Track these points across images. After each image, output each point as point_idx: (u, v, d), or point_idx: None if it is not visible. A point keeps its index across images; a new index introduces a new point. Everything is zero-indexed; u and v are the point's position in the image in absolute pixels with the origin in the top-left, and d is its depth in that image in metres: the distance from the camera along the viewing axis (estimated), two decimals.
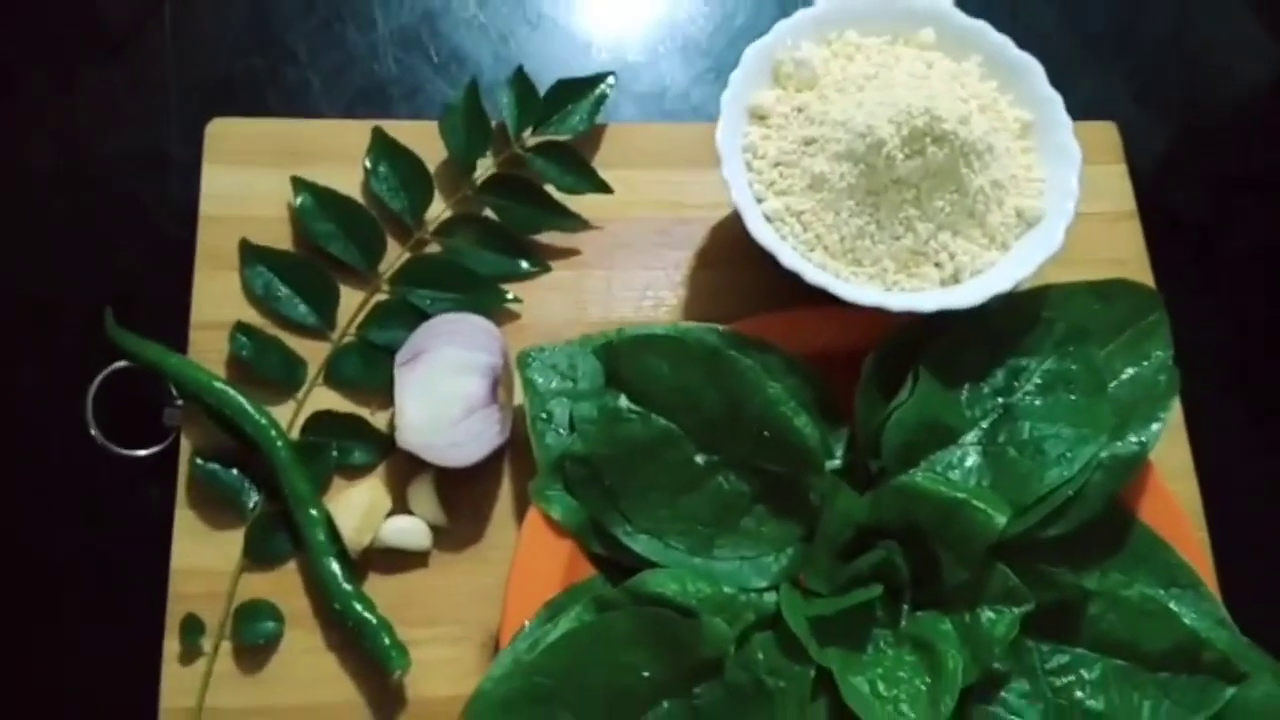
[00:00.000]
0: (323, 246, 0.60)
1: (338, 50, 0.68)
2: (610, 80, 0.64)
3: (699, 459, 0.54)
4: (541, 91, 0.63)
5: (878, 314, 0.55)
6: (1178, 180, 0.71)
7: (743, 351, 0.55)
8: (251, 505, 0.56)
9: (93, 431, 0.57)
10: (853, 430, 0.56)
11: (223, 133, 0.62)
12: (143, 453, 0.57)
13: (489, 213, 0.62)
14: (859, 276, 0.56)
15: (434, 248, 0.61)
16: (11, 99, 0.66)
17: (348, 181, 0.62)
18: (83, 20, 0.68)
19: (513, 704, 0.49)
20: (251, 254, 0.60)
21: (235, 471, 0.56)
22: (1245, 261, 0.70)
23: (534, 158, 0.62)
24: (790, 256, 0.55)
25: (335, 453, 0.57)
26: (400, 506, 0.57)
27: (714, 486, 0.54)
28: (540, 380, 0.56)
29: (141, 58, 0.67)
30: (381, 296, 0.60)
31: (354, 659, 0.54)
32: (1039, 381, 0.56)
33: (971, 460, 0.55)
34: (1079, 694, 0.52)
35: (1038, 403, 0.55)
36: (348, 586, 0.54)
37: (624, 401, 0.54)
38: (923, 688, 0.51)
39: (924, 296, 0.55)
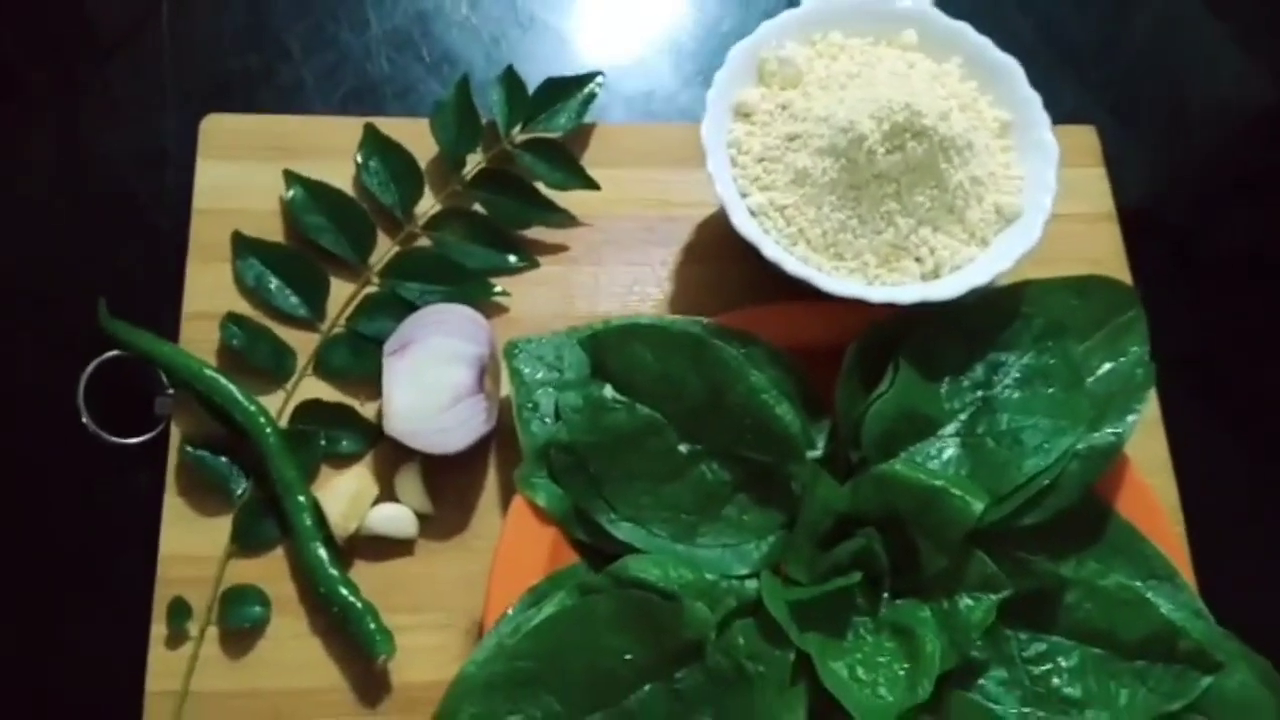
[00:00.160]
0: (314, 239, 0.61)
1: (331, 50, 0.69)
2: (598, 79, 0.65)
3: (682, 448, 0.55)
4: (531, 90, 0.64)
5: (859, 308, 0.56)
6: (1155, 187, 0.72)
7: (726, 342, 0.55)
8: (240, 492, 0.56)
9: (85, 419, 0.57)
10: (834, 421, 0.57)
11: (217, 128, 0.63)
12: (134, 441, 0.58)
13: (478, 208, 0.63)
14: (841, 270, 0.57)
15: (424, 242, 0.62)
16: (12, 94, 0.67)
17: (340, 177, 0.63)
18: (82, 19, 0.69)
19: (495, 686, 0.50)
20: (243, 246, 0.61)
21: (224, 459, 0.57)
22: (1223, 265, 0.71)
23: (523, 154, 0.63)
24: (772, 249, 0.56)
25: (323, 441, 0.57)
26: (387, 494, 0.57)
27: (697, 475, 0.55)
28: (527, 370, 0.57)
29: (139, 56, 0.68)
30: (371, 289, 0.61)
31: (339, 644, 0.55)
32: (1017, 375, 0.57)
33: (950, 451, 0.55)
34: (1056, 681, 0.53)
35: (1016, 395, 0.56)
36: (334, 571, 0.54)
37: (609, 391, 0.55)
38: (901, 672, 0.51)
39: (904, 289, 0.56)
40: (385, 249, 0.62)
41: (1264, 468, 0.66)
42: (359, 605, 0.54)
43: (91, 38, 0.69)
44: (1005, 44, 0.61)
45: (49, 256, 0.63)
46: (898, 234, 0.57)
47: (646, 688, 0.51)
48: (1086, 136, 0.69)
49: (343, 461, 0.58)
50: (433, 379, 0.55)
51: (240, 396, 0.56)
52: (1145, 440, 0.61)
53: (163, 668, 0.53)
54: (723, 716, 0.50)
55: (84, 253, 0.63)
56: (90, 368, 0.58)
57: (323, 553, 0.54)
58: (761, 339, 0.57)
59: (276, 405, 0.58)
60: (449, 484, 0.58)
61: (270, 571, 0.56)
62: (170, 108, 0.66)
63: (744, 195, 0.58)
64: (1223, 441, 0.66)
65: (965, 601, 0.52)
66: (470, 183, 0.63)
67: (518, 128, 0.64)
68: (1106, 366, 0.58)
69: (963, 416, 0.56)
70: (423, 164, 0.63)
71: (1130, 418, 0.56)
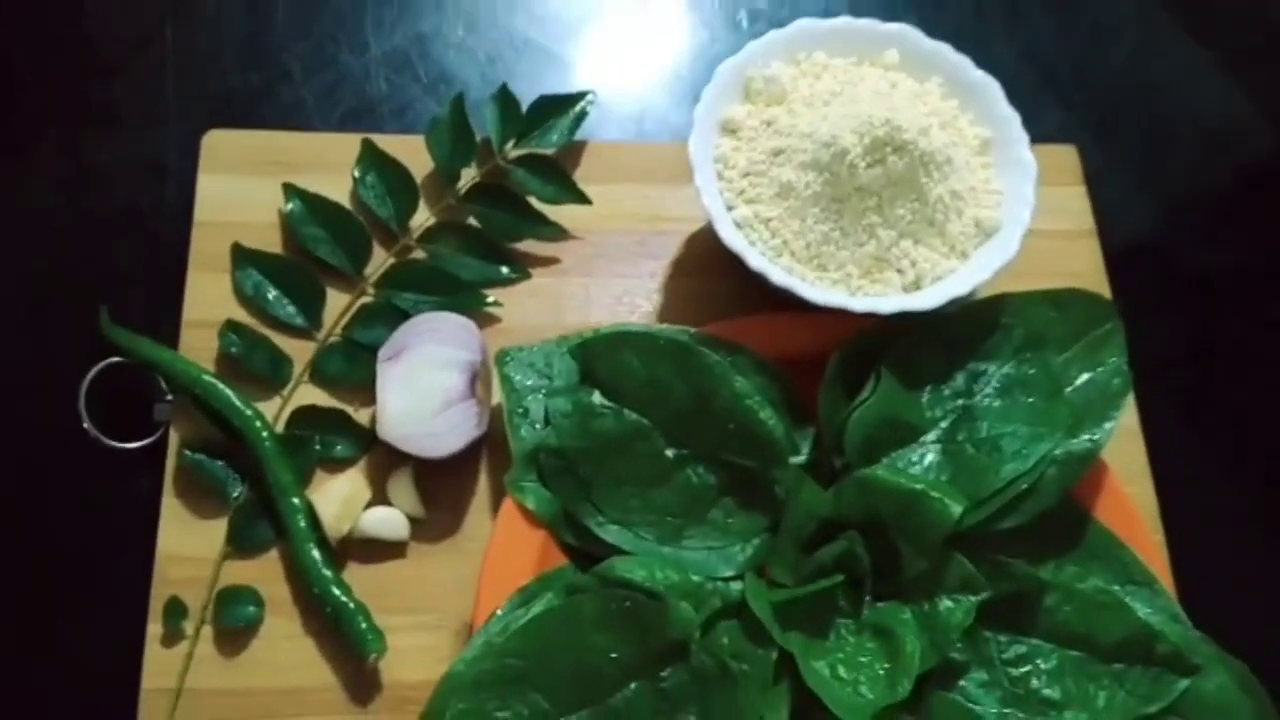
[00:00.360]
0: (311, 250, 0.62)
1: (331, 70, 0.71)
2: (590, 98, 0.67)
3: (669, 452, 0.56)
4: (524, 108, 0.66)
5: (842, 319, 0.57)
6: (1135, 205, 0.74)
7: (712, 350, 0.57)
8: (235, 495, 0.58)
9: (85, 424, 0.59)
10: (817, 428, 0.58)
11: (218, 143, 0.65)
12: (133, 445, 0.59)
13: (472, 221, 0.65)
14: (824, 281, 0.59)
15: (418, 254, 0.64)
16: (20, 109, 0.69)
17: (337, 191, 0.64)
18: (89, 38, 0.71)
19: (483, 684, 0.51)
20: (243, 257, 0.62)
21: (221, 463, 0.58)
22: (1201, 280, 0.72)
23: (516, 169, 0.65)
24: (758, 259, 0.57)
25: (318, 446, 0.59)
26: (380, 498, 0.58)
27: (683, 479, 0.56)
28: (517, 377, 0.59)
29: (143, 73, 0.70)
30: (366, 299, 0.62)
31: (331, 644, 0.56)
32: (998, 385, 0.58)
33: (931, 457, 0.57)
34: (1035, 683, 0.54)
35: (996, 404, 0.58)
36: (327, 572, 0.55)
37: (597, 397, 0.56)
38: (881, 672, 0.52)
39: (885, 299, 0.58)
40: (381, 260, 0.63)
41: (1242, 478, 0.67)
42: (351, 605, 0.55)
43: (97, 55, 0.71)
44: (988, 67, 0.63)
45: (53, 265, 0.64)
46: (879, 246, 0.58)
47: (632, 686, 0.52)
48: (1067, 156, 0.71)
49: (337, 466, 0.59)
50: (425, 385, 0.56)
51: (237, 401, 0.58)
52: (1124, 449, 0.63)
53: (158, 666, 0.54)
54: (707, 715, 0.51)
55: (87, 262, 0.64)
56: (91, 374, 0.59)
57: (316, 554, 0.55)
58: (747, 348, 0.59)
59: (273, 411, 0.59)
60: (441, 488, 0.59)
61: (265, 573, 0.57)
62: (173, 124, 0.68)
63: (730, 208, 0.60)
64: (1201, 452, 0.67)
65: (945, 603, 0.53)
66: (464, 197, 0.65)
67: (511, 143, 0.66)
68: (1084, 377, 0.59)
69: (943, 424, 0.57)
70: (418, 179, 0.65)
71: (1107, 424, 0.57)
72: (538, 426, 0.57)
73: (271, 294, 0.62)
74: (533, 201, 0.65)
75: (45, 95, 0.69)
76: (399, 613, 0.56)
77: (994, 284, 0.59)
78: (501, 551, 0.55)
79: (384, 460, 0.59)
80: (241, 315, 0.61)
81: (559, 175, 0.65)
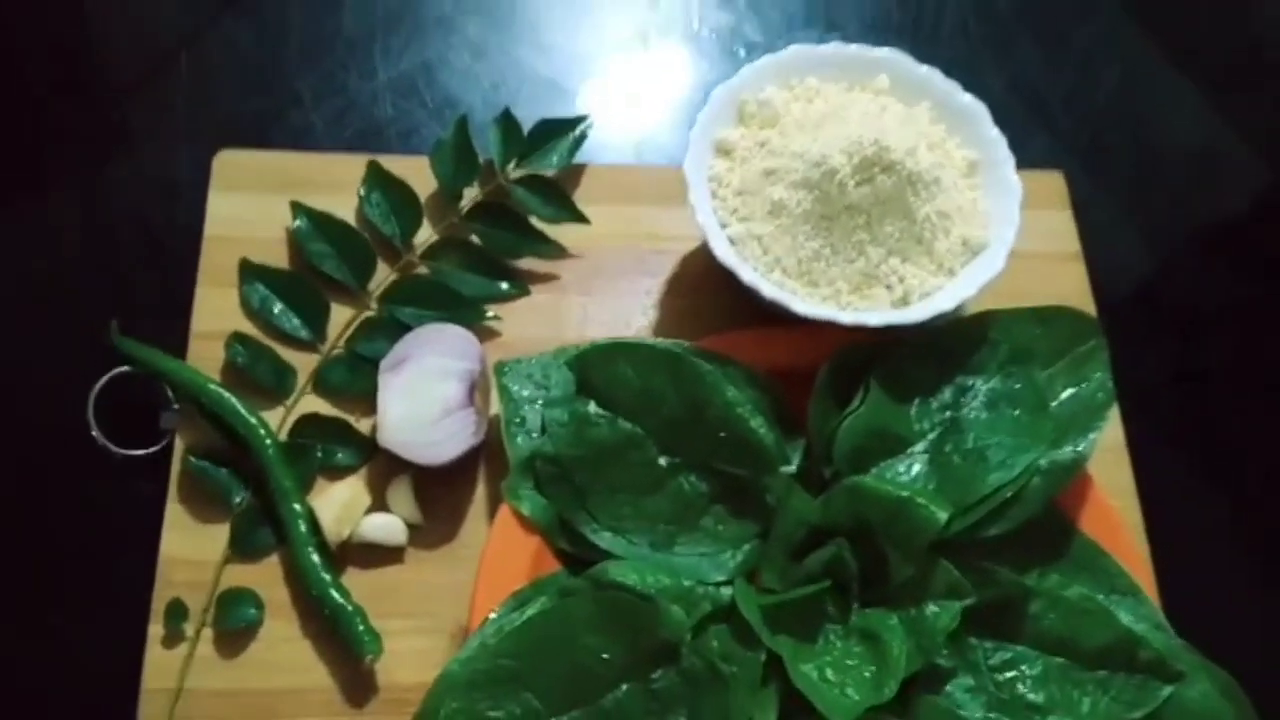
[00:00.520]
0: (317, 266, 0.64)
1: (340, 96, 0.73)
2: (589, 121, 0.69)
3: (662, 461, 0.58)
4: (526, 130, 0.68)
5: (832, 334, 0.59)
6: (1122, 233, 0.75)
7: (706, 361, 0.58)
8: (238, 501, 0.59)
9: (94, 432, 0.60)
10: (808, 440, 0.59)
11: (229, 163, 0.67)
12: (140, 453, 0.60)
13: (474, 238, 0.66)
14: (815, 296, 0.60)
15: (421, 270, 0.66)
16: (40, 127, 0.71)
17: (343, 209, 0.66)
18: (108, 60, 0.74)
19: (477, 684, 0.52)
20: (250, 272, 0.64)
21: (225, 470, 0.59)
22: (1187, 307, 0.74)
23: (517, 189, 0.67)
24: (750, 274, 0.59)
25: (320, 454, 0.60)
26: (380, 505, 0.60)
27: (675, 487, 0.58)
28: (515, 388, 0.60)
29: (158, 97, 0.72)
30: (370, 313, 0.64)
31: (329, 647, 0.57)
32: (984, 398, 0.59)
33: (919, 467, 0.58)
34: (1021, 689, 0.55)
35: (983, 417, 0.59)
36: (326, 575, 0.56)
37: (593, 407, 0.58)
38: (868, 674, 0.53)
39: (873, 313, 0.59)
40: (384, 276, 0.65)
41: (1227, 495, 0.68)
42: (349, 608, 0.56)
43: (114, 78, 0.73)
44: (978, 96, 0.64)
45: (66, 278, 0.66)
46: (868, 263, 0.60)
47: (623, 687, 0.53)
48: (1054, 181, 0.73)
49: (338, 474, 0.60)
50: (425, 393, 0.58)
51: (242, 409, 0.59)
52: (1110, 466, 0.64)
53: (159, 666, 0.55)
54: (697, 716, 0.52)
55: (99, 275, 0.66)
56: (100, 383, 0.61)
57: (316, 557, 0.57)
58: (739, 360, 0.60)
59: (276, 420, 0.61)
60: (439, 497, 0.60)
61: (265, 577, 0.58)
62: (185, 145, 0.70)
63: (724, 226, 0.61)
64: (1186, 470, 0.68)
65: (931, 608, 0.54)
66: (467, 215, 0.67)
67: (512, 164, 0.68)
68: (1069, 391, 0.60)
69: (931, 436, 0.59)
70: (422, 198, 0.67)
71: (1092, 435, 0.58)
72: (534, 435, 0.59)
73: (277, 307, 0.63)
74: (533, 221, 0.67)
75: (64, 116, 0.71)
76: (396, 617, 0.57)
77: (980, 301, 0.61)
78: (497, 557, 0.56)
79: (384, 468, 0.60)
80: (248, 328, 0.63)
81: (559, 195, 0.67)
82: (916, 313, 0.59)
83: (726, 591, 0.56)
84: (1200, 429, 0.70)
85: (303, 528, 0.57)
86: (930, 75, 0.65)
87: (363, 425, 0.61)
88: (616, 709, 0.52)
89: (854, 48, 0.65)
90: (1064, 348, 0.61)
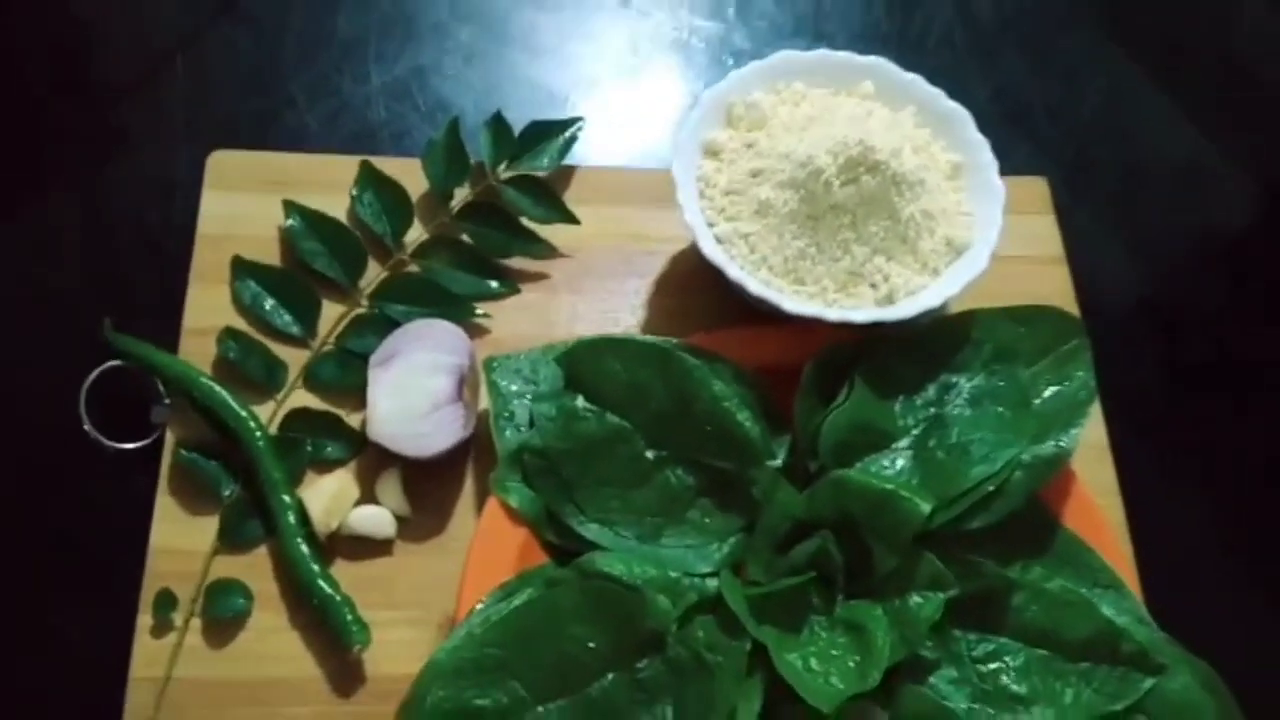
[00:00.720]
0: (309, 263, 0.65)
1: (334, 98, 0.74)
2: (579, 123, 0.70)
3: (649, 454, 0.58)
4: (517, 132, 0.69)
5: (818, 332, 0.60)
6: (1104, 241, 0.76)
7: (693, 356, 0.59)
8: (228, 493, 0.59)
9: (86, 426, 0.61)
10: (794, 436, 0.60)
11: (223, 163, 0.68)
12: (131, 446, 0.61)
13: (464, 238, 0.67)
14: (801, 294, 0.61)
15: (412, 268, 0.66)
16: (38, 126, 0.72)
17: (336, 209, 0.67)
18: (106, 63, 0.75)
19: (463, 672, 0.52)
20: (242, 269, 0.65)
21: (215, 462, 0.60)
22: (1169, 310, 0.75)
23: (507, 189, 0.68)
24: (736, 271, 0.60)
25: (310, 447, 0.61)
26: (369, 498, 0.60)
27: (662, 480, 0.58)
28: (504, 383, 0.61)
29: (155, 99, 0.73)
30: (361, 310, 0.65)
31: (317, 638, 0.57)
32: (968, 396, 0.60)
33: (903, 462, 0.59)
34: (1004, 680, 0.55)
35: (967, 413, 0.60)
36: (314, 566, 0.57)
37: (581, 401, 0.58)
38: (852, 664, 0.53)
39: (859, 310, 0.60)
40: (375, 274, 0.66)
41: (1208, 495, 0.69)
42: (337, 598, 0.56)
43: (113, 80, 0.74)
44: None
45: (61, 274, 0.67)
46: (854, 261, 0.61)
47: (609, 676, 0.53)
48: (1037, 186, 0.74)
49: (327, 467, 0.61)
50: (415, 387, 0.59)
51: (232, 402, 0.60)
52: (1093, 465, 0.65)
53: (147, 655, 0.56)
54: (682, 705, 0.53)
55: (93, 272, 0.67)
56: (92, 377, 0.61)
57: (305, 548, 0.57)
58: (726, 357, 0.61)
59: (267, 414, 0.61)
60: (427, 490, 0.61)
61: (254, 568, 0.58)
62: (181, 146, 0.71)
63: (711, 225, 0.62)
64: (1169, 470, 0.69)
65: (915, 599, 0.55)
66: (457, 215, 0.67)
67: (503, 165, 0.69)
68: (1052, 389, 0.61)
69: (915, 431, 0.59)
70: (414, 198, 0.67)
71: (1074, 430, 0.59)
72: (523, 429, 0.59)
73: (269, 304, 0.64)
74: (523, 221, 0.68)
75: (63, 115, 0.72)
76: (384, 608, 0.58)
77: (964, 303, 0.62)
78: (485, 548, 0.57)
79: (373, 461, 0.61)
80: (240, 324, 0.64)
81: (549, 195, 0.68)
82: (901, 310, 0.60)
83: (712, 583, 0.56)
84: (1181, 430, 0.70)
85: (292, 519, 0.58)
86: (915, 81, 0.66)
87: (353, 420, 0.62)
88: (602, 698, 0.53)
89: (840, 54, 0.66)
90: (1047, 347, 0.62)
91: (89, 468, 0.61)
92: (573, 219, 0.68)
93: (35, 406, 0.63)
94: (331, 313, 0.65)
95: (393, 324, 0.63)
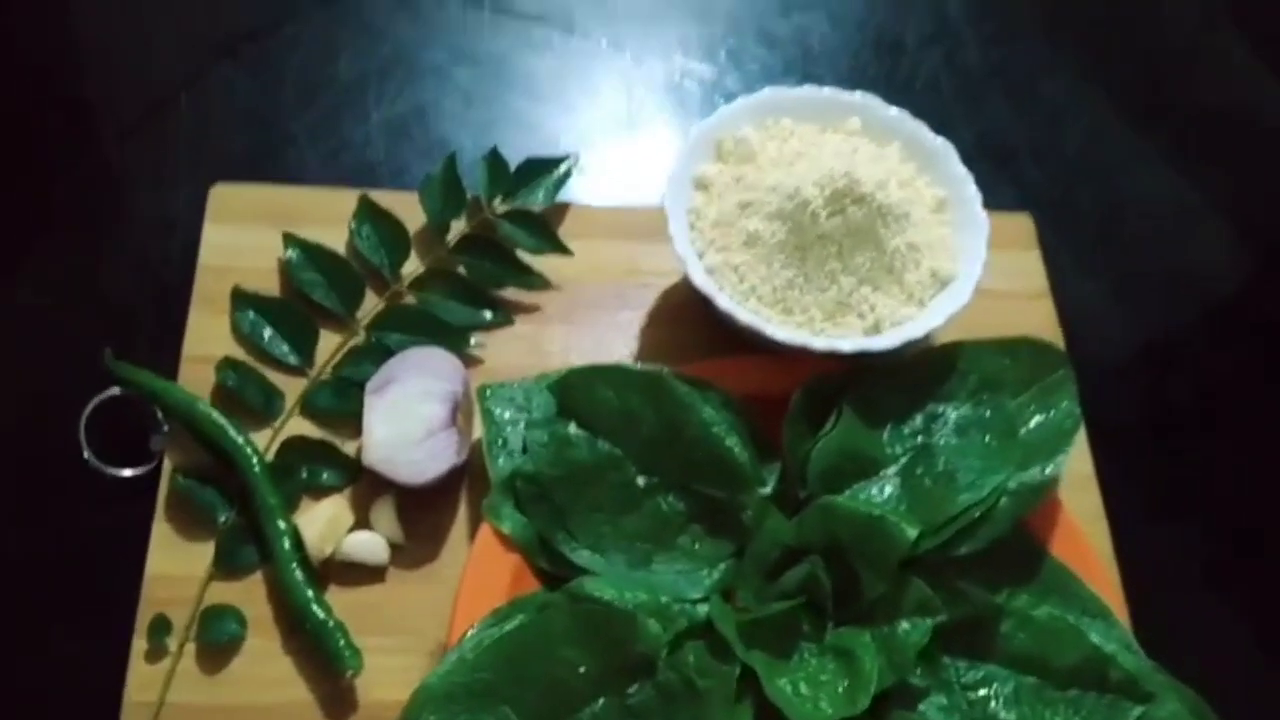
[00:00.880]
0: (307, 294, 0.66)
1: (334, 136, 0.76)
2: (573, 160, 0.72)
3: (640, 481, 0.59)
4: (513, 168, 0.71)
5: (806, 361, 0.61)
6: (1088, 281, 0.77)
7: (683, 384, 0.60)
8: (223, 520, 0.60)
9: (85, 453, 0.61)
10: (783, 463, 0.61)
11: (224, 195, 0.70)
12: (129, 473, 0.62)
13: (460, 270, 0.68)
14: (789, 323, 0.62)
15: (409, 299, 0.68)
16: (46, 158, 0.74)
17: (334, 242, 0.68)
18: (109, 100, 0.77)
19: (455, 697, 0.52)
20: (242, 299, 0.66)
21: (211, 489, 0.60)
22: (1152, 346, 0.76)
23: (503, 223, 0.69)
24: (726, 301, 0.61)
25: (305, 474, 0.61)
26: (363, 524, 0.61)
27: (653, 507, 0.59)
28: (498, 411, 0.62)
29: (157, 136, 0.75)
30: (357, 340, 0.66)
31: (310, 664, 0.57)
32: (955, 425, 0.61)
33: (890, 489, 0.59)
34: (993, 706, 0.55)
35: (953, 442, 0.60)
36: (308, 591, 0.57)
37: (573, 428, 0.59)
38: (841, 689, 0.54)
39: (845, 340, 0.61)
40: (372, 305, 0.67)
41: (1194, 526, 0.70)
42: (330, 623, 0.57)
43: (116, 116, 0.76)
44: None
45: (64, 303, 0.68)
46: (840, 292, 0.62)
47: (599, 701, 0.53)
48: (1022, 222, 0.75)
49: (323, 493, 0.61)
50: (410, 414, 0.59)
51: (230, 430, 0.60)
52: (1080, 495, 0.65)
53: (141, 680, 0.56)
54: None
55: (96, 305, 0.68)
56: (92, 404, 0.62)
57: (299, 574, 0.58)
58: (717, 385, 0.62)
59: (264, 441, 0.62)
60: (421, 517, 0.61)
61: (248, 595, 0.59)
62: (182, 182, 0.72)
63: (701, 256, 0.63)
64: (1155, 502, 0.70)
65: (903, 625, 0.55)
66: (454, 248, 0.69)
67: (499, 199, 0.70)
68: (1037, 419, 0.62)
69: (902, 459, 0.60)
70: (411, 231, 0.69)
71: (1060, 457, 0.59)
72: (515, 456, 0.60)
73: (267, 333, 0.65)
74: (518, 253, 0.69)
75: (65, 152, 0.74)
76: (376, 634, 0.58)
77: (950, 333, 0.63)
78: (477, 574, 0.57)
79: (368, 488, 0.61)
80: (239, 353, 0.65)
81: (543, 229, 0.69)
82: (887, 340, 0.61)
83: (702, 609, 0.57)
84: (1165, 460, 0.71)
85: (287, 545, 0.58)
86: (900, 117, 0.67)
87: (348, 447, 0.63)
88: None
89: (827, 91, 0.68)
90: (1032, 378, 0.63)
91: (87, 494, 0.61)
92: (566, 250, 0.69)
93: (36, 432, 0.63)
94: (329, 343, 0.66)
95: (389, 354, 0.64)
